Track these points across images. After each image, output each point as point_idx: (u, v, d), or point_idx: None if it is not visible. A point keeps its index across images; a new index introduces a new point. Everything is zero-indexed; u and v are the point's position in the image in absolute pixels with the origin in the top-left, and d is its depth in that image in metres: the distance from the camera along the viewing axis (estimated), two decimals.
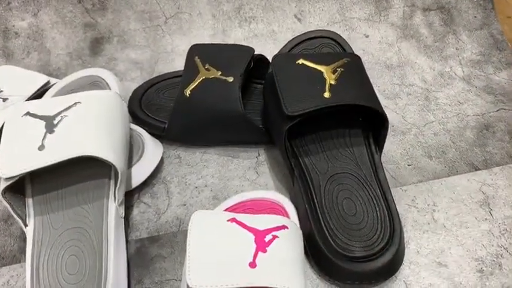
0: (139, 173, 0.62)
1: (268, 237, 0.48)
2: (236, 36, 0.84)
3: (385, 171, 0.59)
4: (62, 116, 0.53)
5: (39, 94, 0.68)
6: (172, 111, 0.65)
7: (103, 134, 0.54)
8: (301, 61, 0.60)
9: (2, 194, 0.50)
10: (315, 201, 0.56)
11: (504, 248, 0.56)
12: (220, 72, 0.65)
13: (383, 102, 0.71)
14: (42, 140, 0.51)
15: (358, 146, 0.61)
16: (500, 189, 0.62)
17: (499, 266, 0.54)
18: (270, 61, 0.64)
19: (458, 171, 0.66)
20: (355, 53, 0.66)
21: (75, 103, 0.55)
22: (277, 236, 0.49)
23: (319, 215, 0.54)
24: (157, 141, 0.66)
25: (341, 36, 0.68)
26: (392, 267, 0.53)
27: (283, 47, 0.68)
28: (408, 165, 0.67)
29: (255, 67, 0.68)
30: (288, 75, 0.59)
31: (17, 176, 0.50)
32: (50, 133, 0.52)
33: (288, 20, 0.86)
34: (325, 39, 0.68)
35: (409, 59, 0.82)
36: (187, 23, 0.85)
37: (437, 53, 0.83)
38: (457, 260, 0.55)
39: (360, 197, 0.56)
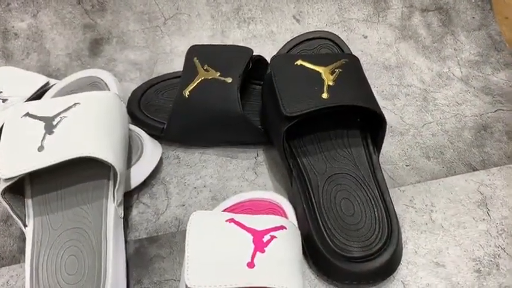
0: (139, 174, 0.62)
1: (266, 238, 0.48)
2: (235, 37, 0.84)
3: (383, 171, 0.59)
4: (61, 117, 0.54)
5: (38, 95, 0.68)
6: (171, 112, 0.66)
7: (102, 134, 0.54)
8: (299, 62, 0.61)
9: (1, 194, 0.50)
10: (313, 201, 0.56)
11: (502, 248, 0.56)
12: (219, 73, 0.65)
13: (381, 102, 0.72)
14: (42, 140, 0.52)
15: (356, 146, 0.61)
16: (498, 189, 0.62)
17: (497, 266, 0.55)
18: (269, 62, 0.64)
19: (456, 172, 0.66)
20: (354, 53, 0.66)
21: (75, 104, 0.55)
22: (275, 237, 0.49)
23: (317, 215, 0.54)
24: (156, 141, 0.66)
25: (339, 37, 0.68)
26: (390, 267, 0.53)
27: (282, 47, 0.68)
28: (406, 165, 0.67)
29: (253, 68, 0.68)
30: (287, 76, 0.59)
31: (17, 176, 0.50)
32: (50, 134, 0.52)
33: (287, 21, 0.86)
34: (324, 40, 0.68)
35: (408, 59, 0.82)
36: (186, 24, 0.85)
37: (436, 53, 0.83)
38: (454, 260, 0.55)
39: (358, 198, 0.56)
